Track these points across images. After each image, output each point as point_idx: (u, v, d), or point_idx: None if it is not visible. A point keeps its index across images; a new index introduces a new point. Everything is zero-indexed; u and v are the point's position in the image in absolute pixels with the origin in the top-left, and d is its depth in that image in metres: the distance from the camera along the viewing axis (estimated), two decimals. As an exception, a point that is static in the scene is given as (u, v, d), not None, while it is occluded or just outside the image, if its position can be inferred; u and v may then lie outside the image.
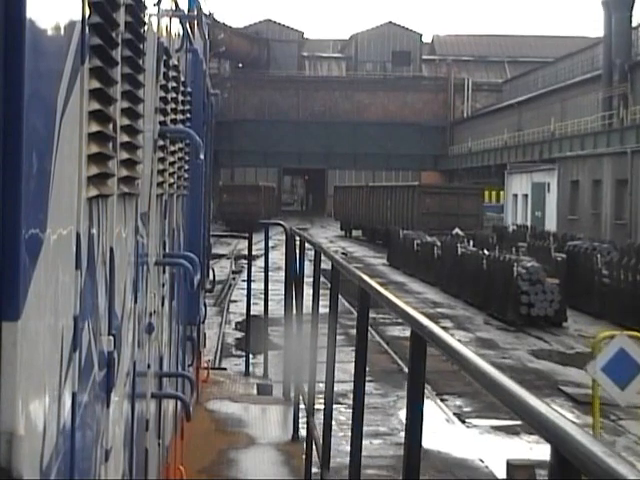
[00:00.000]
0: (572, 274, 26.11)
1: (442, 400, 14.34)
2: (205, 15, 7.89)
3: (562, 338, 21.32)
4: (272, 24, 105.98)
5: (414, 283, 32.26)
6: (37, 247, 1.87)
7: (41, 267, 1.90)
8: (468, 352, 2.39)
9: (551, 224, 49.64)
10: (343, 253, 42.40)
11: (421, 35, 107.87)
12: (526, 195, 57.07)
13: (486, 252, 26.87)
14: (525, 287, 23.03)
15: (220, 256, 36.89)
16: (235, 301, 24.60)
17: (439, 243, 32.60)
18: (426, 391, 12.93)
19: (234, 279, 30.47)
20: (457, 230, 40.07)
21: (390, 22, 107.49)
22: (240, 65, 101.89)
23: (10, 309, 1.73)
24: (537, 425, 1.74)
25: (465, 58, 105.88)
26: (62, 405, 2.19)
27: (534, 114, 74.16)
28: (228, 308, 23.56)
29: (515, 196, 59.54)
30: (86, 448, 2.59)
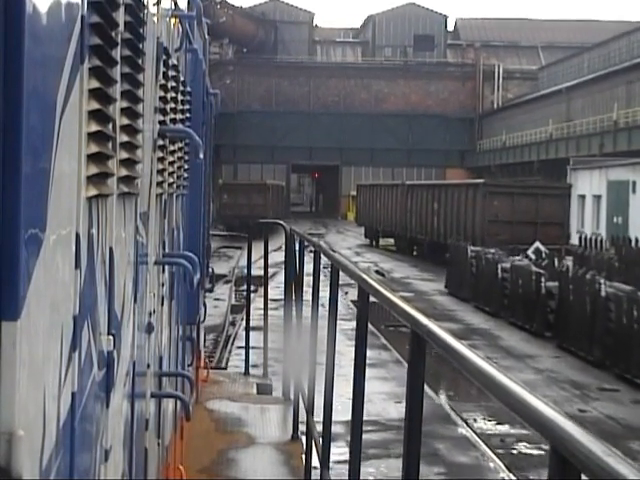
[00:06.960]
0: None
1: None
2: None
3: None
4: (280, 4, 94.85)
5: (507, 331, 22.25)
6: (37, 247, 1.87)
7: (41, 267, 1.89)
8: (467, 351, 2.39)
9: (638, 233, 38.48)
10: (378, 272, 33.94)
11: (446, 17, 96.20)
12: (598, 196, 46.44)
13: None
14: None
15: (217, 278, 25.04)
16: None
17: (544, 271, 22.35)
18: None
19: (233, 323, 21.50)
20: (538, 245, 31.11)
21: (411, 3, 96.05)
22: (244, 50, 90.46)
23: (10, 309, 1.72)
24: (537, 424, 1.74)
25: (494, 43, 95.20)
26: (61, 405, 2.19)
27: (587, 101, 64.06)
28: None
29: (582, 197, 47.86)
30: (85, 448, 2.59)
